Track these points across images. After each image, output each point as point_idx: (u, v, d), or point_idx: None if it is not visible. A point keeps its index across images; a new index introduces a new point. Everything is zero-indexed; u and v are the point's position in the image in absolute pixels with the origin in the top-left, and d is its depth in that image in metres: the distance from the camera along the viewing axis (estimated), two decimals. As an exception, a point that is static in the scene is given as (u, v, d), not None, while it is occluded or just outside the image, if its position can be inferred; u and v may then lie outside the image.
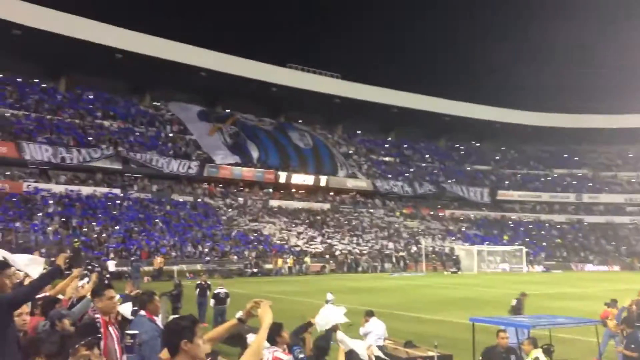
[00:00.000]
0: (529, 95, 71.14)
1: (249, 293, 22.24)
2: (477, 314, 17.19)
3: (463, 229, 61.23)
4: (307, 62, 61.33)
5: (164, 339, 3.52)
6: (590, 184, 71.28)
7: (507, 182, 70.85)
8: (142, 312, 6.02)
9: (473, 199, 66.47)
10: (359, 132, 71.45)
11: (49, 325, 5.61)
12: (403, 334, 14.09)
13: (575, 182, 71.89)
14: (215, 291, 17.52)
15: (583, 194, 69.60)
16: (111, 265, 32.66)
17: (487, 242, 54.48)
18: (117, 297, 5.94)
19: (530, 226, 65.07)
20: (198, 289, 18.64)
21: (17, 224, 35.44)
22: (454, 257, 50.50)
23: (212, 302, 17.41)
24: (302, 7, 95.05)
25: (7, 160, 40.83)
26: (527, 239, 59.45)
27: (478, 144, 79.20)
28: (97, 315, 5.38)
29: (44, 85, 50.13)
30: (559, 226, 65.98)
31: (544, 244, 60.12)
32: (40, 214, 37.83)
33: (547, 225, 66.01)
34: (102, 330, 5.21)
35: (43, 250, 30.43)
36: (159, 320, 6.16)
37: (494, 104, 70.46)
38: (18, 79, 48.38)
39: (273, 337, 5.34)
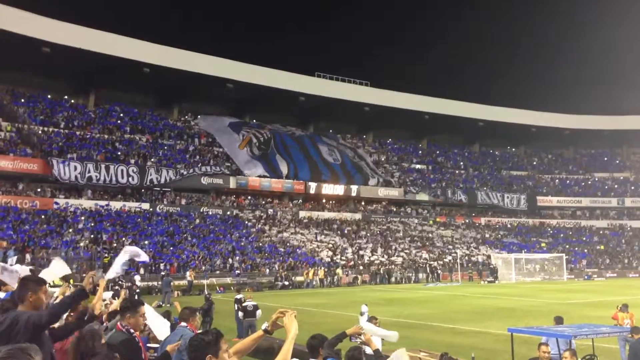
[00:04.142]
0: (566, 98, 69.44)
1: (279, 306, 21.48)
2: (516, 324, 16.94)
3: (499, 236, 59.62)
4: (335, 71, 60.96)
5: (188, 355, 3.37)
6: (633, 188, 68.89)
7: (545, 188, 68.90)
8: (184, 324, 6.23)
9: (509, 206, 64.75)
10: (389, 139, 70.51)
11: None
12: (439, 346, 13.68)
13: (617, 186, 69.58)
14: (244, 304, 17.22)
15: (625, 198, 67.29)
16: (137, 280, 32.40)
17: (525, 250, 52.80)
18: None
19: (570, 232, 63.10)
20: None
21: (49, 241, 35.44)
22: (491, 266, 48.98)
23: (240, 314, 17.13)
24: (328, 17, 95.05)
25: (38, 177, 41.15)
26: (567, 246, 57.60)
27: (514, 149, 77.62)
28: (132, 330, 5.34)
29: (73, 102, 50.73)
30: (600, 232, 63.74)
31: (585, 250, 58.11)
32: (70, 230, 37.85)
33: (588, 231, 63.88)
34: (140, 345, 5.32)
35: (74, 266, 30.35)
36: None
37: (529, 107, 68.97)
38: (48, 96, 49.05)
39: (317, 349, 5.09)
